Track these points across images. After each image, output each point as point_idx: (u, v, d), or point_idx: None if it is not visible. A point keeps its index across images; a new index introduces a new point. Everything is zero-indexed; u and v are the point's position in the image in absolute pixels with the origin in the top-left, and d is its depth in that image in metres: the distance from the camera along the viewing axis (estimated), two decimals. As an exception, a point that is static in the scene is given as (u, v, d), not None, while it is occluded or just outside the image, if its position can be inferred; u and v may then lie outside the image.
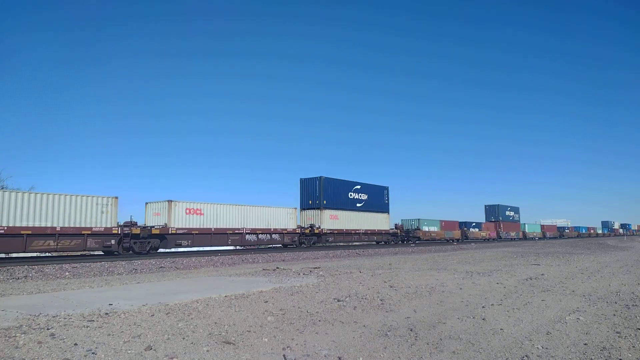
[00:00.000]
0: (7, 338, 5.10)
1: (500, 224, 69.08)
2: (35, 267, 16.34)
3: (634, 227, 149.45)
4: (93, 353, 4.54)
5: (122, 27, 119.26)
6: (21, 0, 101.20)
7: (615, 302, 8.16)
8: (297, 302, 7.91)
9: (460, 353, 4.82)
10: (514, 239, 71.02)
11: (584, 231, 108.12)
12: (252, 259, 21.78)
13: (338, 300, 8.01)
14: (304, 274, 13.22)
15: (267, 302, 7.85)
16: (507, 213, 73.17)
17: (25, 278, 13.15)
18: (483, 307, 7.56)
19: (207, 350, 4.74)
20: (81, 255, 23.79)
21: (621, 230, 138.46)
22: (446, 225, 55.95)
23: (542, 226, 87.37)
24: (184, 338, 5.23)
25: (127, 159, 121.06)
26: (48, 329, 5.54)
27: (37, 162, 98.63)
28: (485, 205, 73.38)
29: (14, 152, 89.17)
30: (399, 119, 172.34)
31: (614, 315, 6.97)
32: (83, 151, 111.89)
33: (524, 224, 77.83)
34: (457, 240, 56.40)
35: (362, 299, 8.26)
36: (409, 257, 21.95)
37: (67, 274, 14.35)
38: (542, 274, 13.20)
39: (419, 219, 51.18)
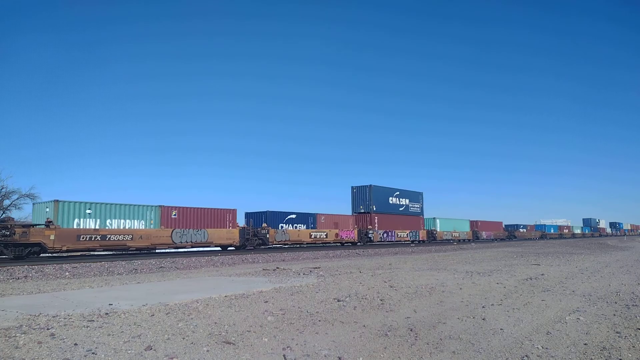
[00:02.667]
0: (7, 338, 5.10)
1: (374, 217, 41.56)
2: (35, 267, 16.34)
3: (626, 226, 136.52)
4: (93, 353, 4.54)
5: (122, 29, 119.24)
6: (22, 1, 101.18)
7: (615, 302, 8.16)
8: (297, 302, 7.90)
9: (460, 353, 4.82)
10: (408, 242, 47.11)
11: (552, 231, 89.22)
12: (252, 259, 21.78)
13: (338, 300, 8.00)
14: (304, 274, 13.22)
15: (267, 302, 7.85)
16: (393, 201, 45.53)
17: (25, 278, 13.15)
18: (483, 307, 7.56)
19: (207, 350, 4.74)
20: (81, 255, 23.84)
21: (609, 230, 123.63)
22: (179, 217, 27.60)
23: (474, 223, 63.13)
24: (184, 338, 5.23)
25: (128, 159, 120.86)
26: (48, 329, 5.53)
27: (37, 163, 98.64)
28: (353, 188, 43.55)
29: (14, 152, 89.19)
30: (398, 119, 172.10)
31: (614, 315, 6.96)
32: (83, 152, 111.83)
33: (433, 219, 54.66)
34: (236, 247, 31.05)
35: (362, 299, 8.25)
36: (409, 257, 21.95)
37: (67, 274, 14.35)
38: (542, 274, 13.19)
39: (56, 201, 23.11)
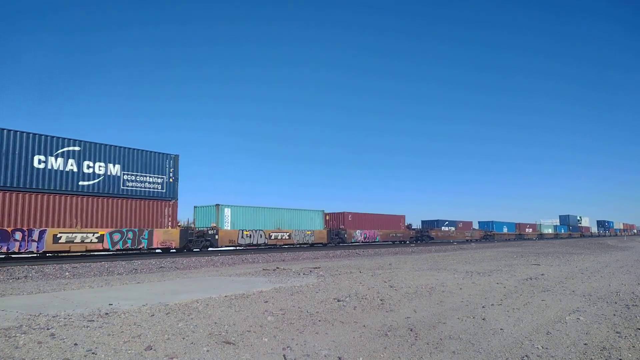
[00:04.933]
0: (7, 338, 5.10)
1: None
2: (35, 267, 16.34)
3: (617, 225, 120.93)
4: (93, 353, 4.54)
5: (122, 32, 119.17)
6: (23, 3, 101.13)
7: (615, 302, 8.16)
8: (297, 302, 7.91)
9: (460, 353, 4.82)
10: (100, 252, 22.25)
11: (505, 230, 68.36)
12: (252, 259, 21.79)
13: (338, 300, 8.01)
14: (304, 274, 13.22)
15: (267, 302, 7.85)
16: (50, 163, 20.44)
17: (25, 278, 13.15)
18: (483, 307, 7.56)
19: (207, 350, 4.74)
20: (81, 255, 23.84)
21: (595, 229, 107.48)
22: None
23: (338, 217, 40.16)
24: (184, 338, 5.23)
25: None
26: (48, 329, 5.54)
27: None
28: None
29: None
30: (396, 119, 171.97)
31: (614, 315, 6.97)
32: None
33: (215, 206, 30.30)
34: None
35: (362, 299, 8.26)
36: (409, 257, 21.96)
37: (67, 274, 14.35)
38: (542, 274, 13.20)
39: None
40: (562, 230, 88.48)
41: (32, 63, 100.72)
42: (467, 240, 58.99)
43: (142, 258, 21.43)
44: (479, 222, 66.61)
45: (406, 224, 49.91)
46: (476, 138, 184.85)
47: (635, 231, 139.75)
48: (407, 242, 48.86)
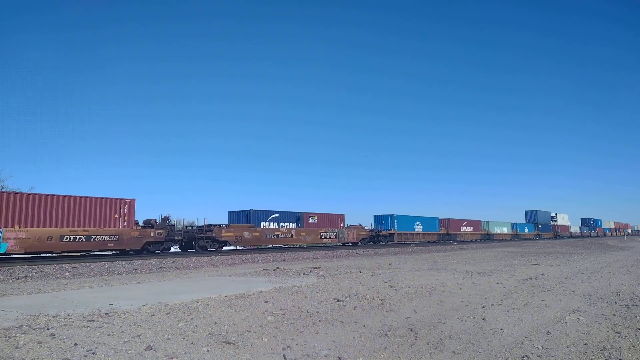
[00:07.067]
0: (7, 338, 5.10)
1: None
2: (35, 267, 16.35)
3: (607, 224, 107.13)
4: (93, 353, 4.55)
5: (122, 29, 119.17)
6: (22, 1, 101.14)
7: (615, 302, 8.16)
8: (297, 302, 7.91)
9: (460, 353, 4.82)
10: None
11: (412, 227, 45.49)
12: (252, 259, 21.80)
13: (338, 300, 8.01)
14: (304, 274, 13.22)
15: (267, 302, 7.86)
16: None
17: (25, 278, 13.16)
18: (483, 307, 7.56)
19: (207, 350, 4.74)
20: (81, 255, 23.89)
21: (577, 229, 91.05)
22: None
23: None
24: (184, 338, 5.23)
25: (127, 160, 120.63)
26: (48, 329, 5.54)
27: (37, 162, 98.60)
28: None
29: (14, 152, 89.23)
30: (399, 119, 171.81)
31: (614, 315, 6.97)
32: (82, 151, 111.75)
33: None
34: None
35: (362, 299, 8.26)
36: (409, 257, 21.97)
37: (67, 274, 14.36)
38: (542, 274, 13.20)
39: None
40: (527, 230, 67.09)
41: (30, 62, 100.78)
42: (336, 244, 37.52)
43: (142, 258, 21.45)
44: (375, 216, 44.54)
45: (143, 220, 26.36)
46: (461, 137, 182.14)
47: (629, 231, 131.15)
48: (130, 251, 24.51)
